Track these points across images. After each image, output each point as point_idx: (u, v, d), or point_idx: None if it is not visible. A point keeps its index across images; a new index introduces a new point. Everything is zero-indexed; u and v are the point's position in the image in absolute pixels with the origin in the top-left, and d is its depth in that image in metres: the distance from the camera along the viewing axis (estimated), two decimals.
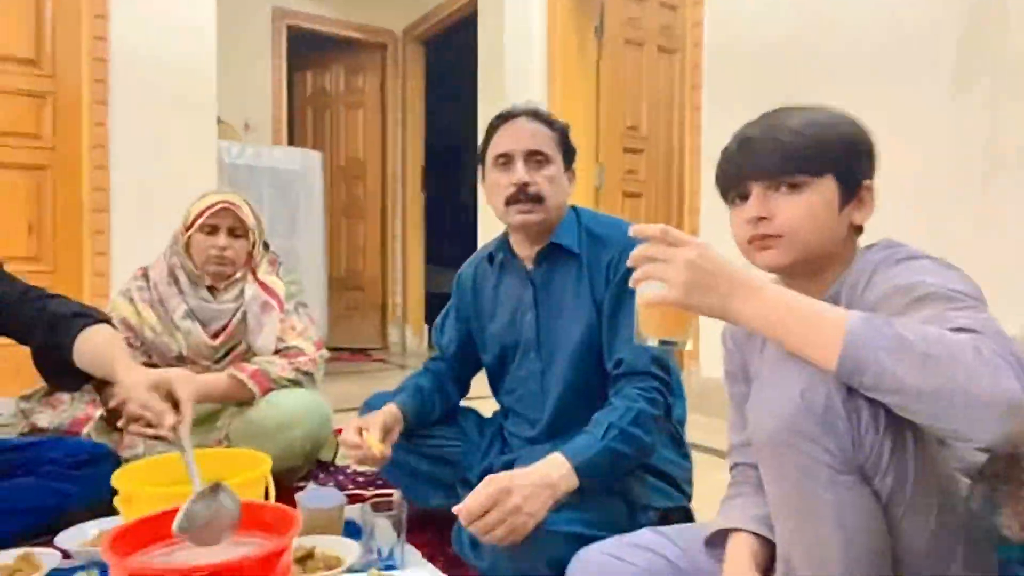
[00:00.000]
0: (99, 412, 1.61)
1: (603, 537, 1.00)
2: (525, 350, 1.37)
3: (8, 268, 1.45)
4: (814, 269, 0.86)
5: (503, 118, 1.35)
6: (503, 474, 1.04)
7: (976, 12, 1.86)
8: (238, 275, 1.82)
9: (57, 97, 2.69)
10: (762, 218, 0.84)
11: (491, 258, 1.45)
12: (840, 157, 0.83)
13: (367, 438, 1.24)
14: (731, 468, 1.02)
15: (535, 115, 1.33)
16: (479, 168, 1.39)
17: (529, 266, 1.36)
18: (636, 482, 1.21)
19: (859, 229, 0.87)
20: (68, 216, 2.71)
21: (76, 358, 1.31)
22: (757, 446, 0.74)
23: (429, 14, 4.64)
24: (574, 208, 1.39)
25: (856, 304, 0.79)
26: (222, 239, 1.76)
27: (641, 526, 1.05)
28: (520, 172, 1.28)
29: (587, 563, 0.95)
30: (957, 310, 0.66)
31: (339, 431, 1.64)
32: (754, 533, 0.84)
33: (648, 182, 3.64)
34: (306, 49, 4.84)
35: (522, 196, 1.27)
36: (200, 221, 1.75)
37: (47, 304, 1.36)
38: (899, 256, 0.79)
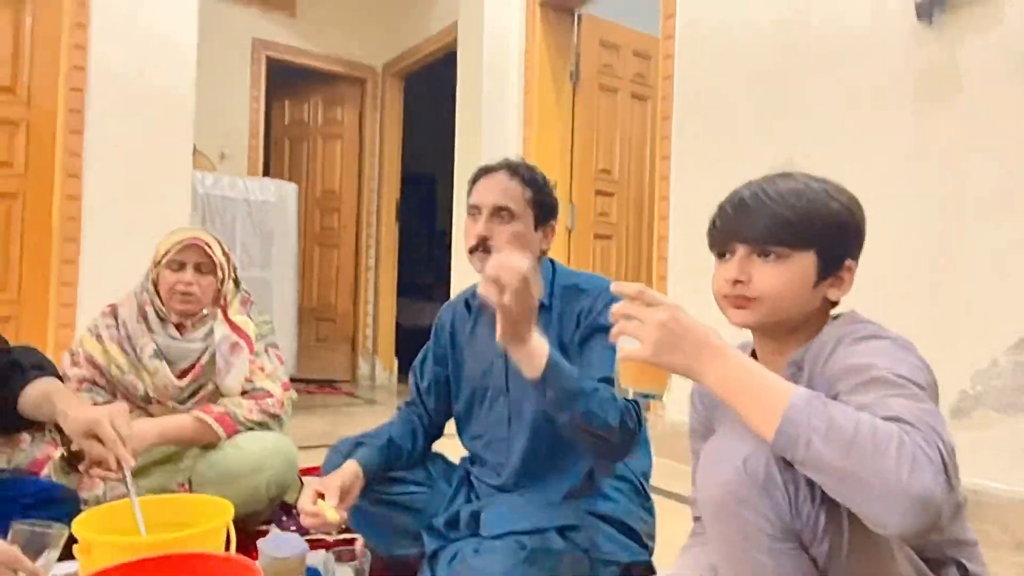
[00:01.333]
0: (59, 452, 1.59)
1: None
2: (494, 397, 1.39)
3: None
4: (782, 333, 0.91)
5: (482, 171, 1.40)
6: None
7: (927, 74, 1.97)
8: (206, 313, 1.81)
9: (31, 125, 2.68)
10: (740, 280, 0.88)
11: (467, 303, 1.48)
12: (826, 235, 0.88)
13: (322, 506, 1.23)
14: (694, 519, 1.05)
15: (512, 171, 1.38)
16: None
17: (499, 341, 1.39)
18: (599, 536, 1.23)
19: (833, 304, 0.92)
20: (37, 245, 2.68)
21: (21, 403, 1.32)
22: (702, 508, 0.78)
23: (409, 51, 4.72)
24: (551, 261, 1.43)
25: (816, 374, 0.84)
26: (188, 275, 1.75)
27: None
28: (481, 226, 1.32)
29: None
30: (898, 397, 0.70)
31: (306, 471, 1.63)
32: None
33: (619, 224, 3.71)
34: (285, 80, 4.87)
35: (481, 248, 1.31)
36: (167, 257, 1.75)
37: (10, 354, 1.37)
38: (860, 334, 0.83)
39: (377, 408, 4.08)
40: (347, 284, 5.10)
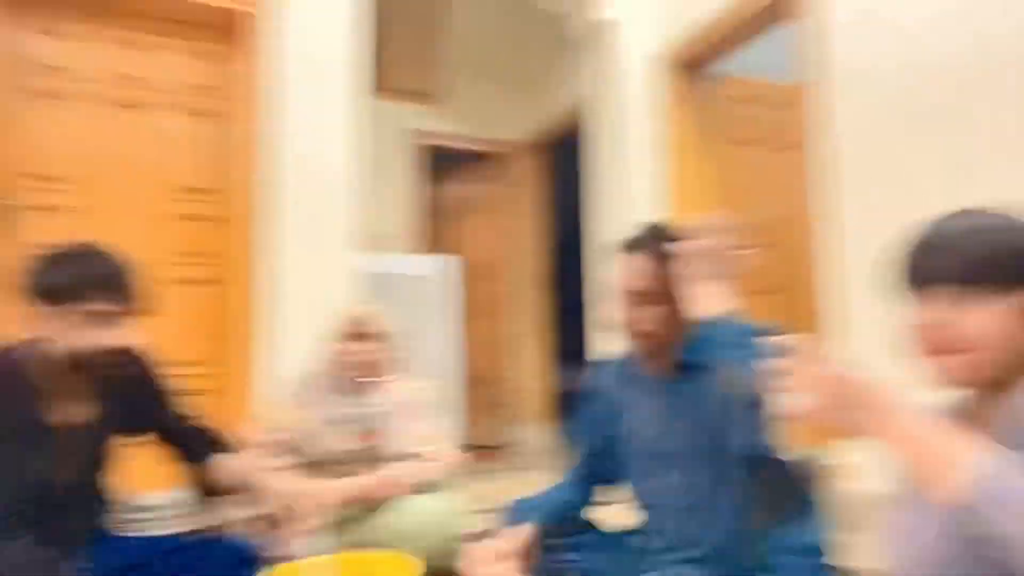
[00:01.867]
0: (252, 513, 1.76)
1: None
2: (663, 464, 1.37)
3: (190, 370, 1.71)
4: (987, 386, 0.81)
5: (619, 249, 1.39)
6: None
7: None
8: (376, 381, 1.96)
9: (231, 221, 3.09)
10: (945, 327, 0.80)
11: (625, 367, 1.48)
12: None
13: (500, 573, 1.26)
14: None
15: (646, 247, 1.34)
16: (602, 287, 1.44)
17: (663, 378, 1.38)
18: None
19: None
20: (231, 324, 3.04)
21: (215, 472, 1.58)
22: None
23: (549, 124, 4.93)
24: (714, 319, 1.39)
25: (1017, 432, 0.75)
26: (360, 346, 1.92)
27: None
28: (625, 311, 1.33)
29: None
30: None
31: (470, 535, 1.68)
32: None
33: (775, 280, 3.56)
34: (440, 163, 5.25)
35: (630, 332, 1.33)
36: (343, 331, 1.94)
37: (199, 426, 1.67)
38: None
39: (534, 473, 4.09)
40: (502, 351, 5.25)
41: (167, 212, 3.03)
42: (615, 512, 1.52)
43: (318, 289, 3.09)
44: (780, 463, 1.12)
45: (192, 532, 1.80)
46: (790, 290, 3.56)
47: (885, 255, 0.89)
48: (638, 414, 1.43)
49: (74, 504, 1.47)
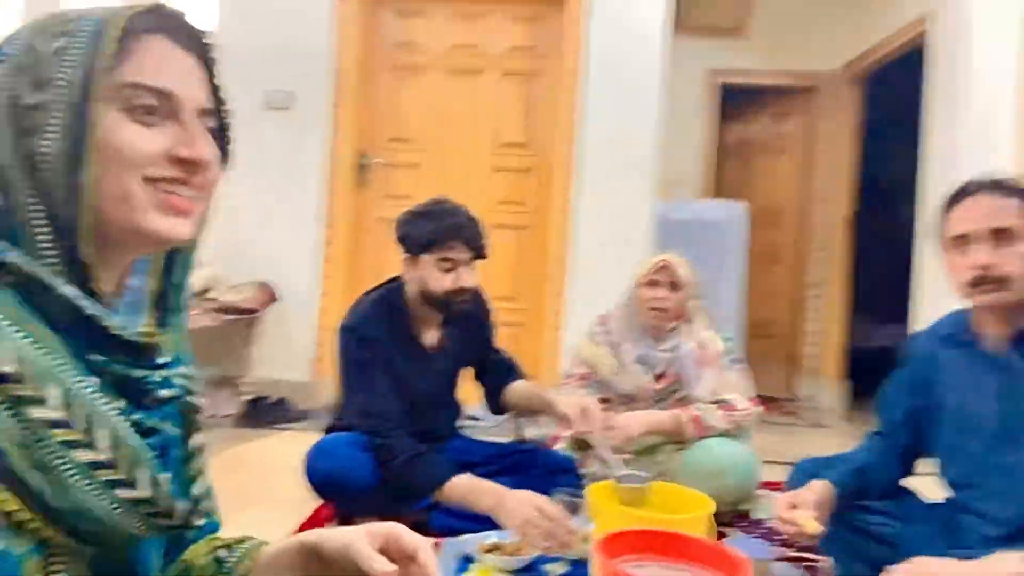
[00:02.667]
0: (569, 433, 2.02)
1: None
2: (989, 442, 1.27)
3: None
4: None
5: (958, 195, 1.29)
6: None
7: None
8: (675, 326, 2.07)
9: (539, 172, 3.39)
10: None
11: (951, 334, 1.38)
12: None
13: (798, 515, 1.28)
14: None
15: (996, 187, 1.25)
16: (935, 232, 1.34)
17: (998, 348, 1.27)
18: None
19: None
20: (538, 266, 3.37)
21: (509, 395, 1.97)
22: None
23: (866, 52, 4.39)
24: None
25: None
26: (661, 292, 2.03)
27: None
28: (980, 255, 1.21)
29: None
30: None
31: (767, 485, 1.73)
32: None
33: None
34: (735, 102, 5.03)
35: (985, 280, 1.21)
36: (646, 277, 2.06)
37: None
38: None
39: (822, 432, 3.90)
40: (789, 301, 4.99)
41: (490, 165, 3.43)
42: (927, 484, 1.45)
43: (618, 234, 3.28)
44: None
45: (517, 442, 2.14)
46: None
47: None
48: (966, 387, 1.33)
49: (435, 410, 1.85)
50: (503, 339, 2.13)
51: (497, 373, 1.99)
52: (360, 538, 0.60)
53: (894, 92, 4.56)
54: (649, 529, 1.20)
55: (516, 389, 1.95)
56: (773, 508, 1.36)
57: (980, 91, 3.13)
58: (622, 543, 1.15)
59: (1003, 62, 3.07)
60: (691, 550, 1.14)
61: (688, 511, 1.40)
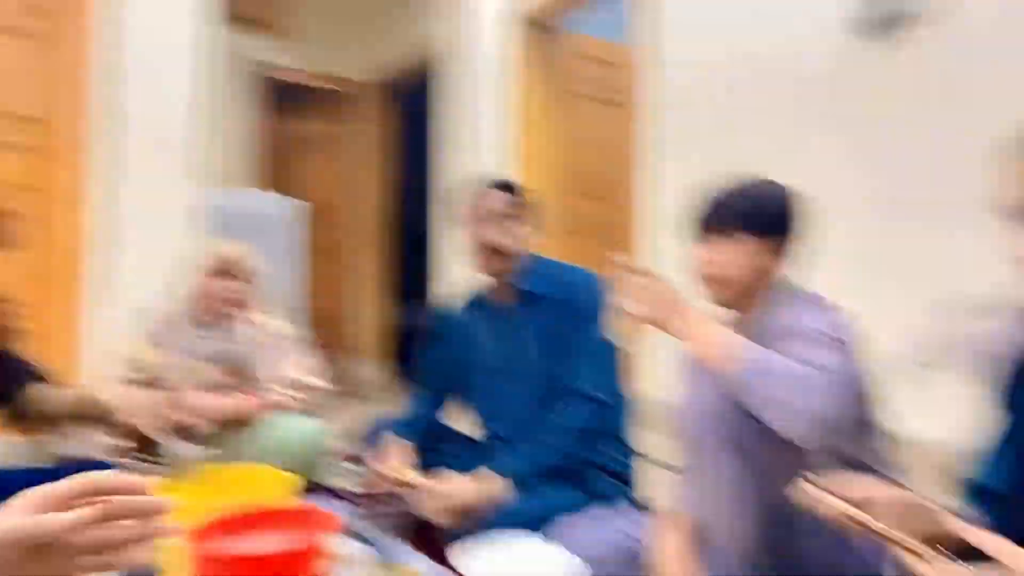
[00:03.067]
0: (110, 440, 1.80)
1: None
2: (499, 379, 1.65)
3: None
4: (742, 302, 1.16)
5: (478, 186, 1.65)
6: None
7: (866, 90, 2.25)
8: (241, 315, 2.06)
9: (59, 153, 2.89)
10: (711, 260, 1.14)
11: (471, 300, 1.74)
12: (775, 221, 1.14)
13: (397, 469, 1.52)
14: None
15: (505, 186, 1.64)
16: (452, 221, 1.68)
17: (504, 308, 1.65)
18: (594, 478, 1.50)
19: (781, 276, 1.17)
20: (68, 262, 2.89)
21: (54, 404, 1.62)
22: (682, 436, 1.04)
23: (393, 66, 4.96)
24: (540, 257, 1.68)
25: (767, 330, 1.09)
26: (227, 283, 2.01)
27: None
28: (488, 231, 1.57)
29: (570, 528, 1.22)
30: (814, 348, 0.97)
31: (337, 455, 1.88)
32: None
33: (601, 225, 3.98)
34: (281, 97, 5.09)
35: (489, 251, 1.57)
36: (209, 267, 2.00)
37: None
38: (796, 300, 1.10)
39: (372, 404, 4.30)
40: (341, 290, 5.34)
41: None
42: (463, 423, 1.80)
43: (159, 225, 3.02)
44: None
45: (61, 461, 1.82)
46: (613, 234, 4.00)
47: (684, 208, 1.22)
48: (483, 336, 1.70)
49: None
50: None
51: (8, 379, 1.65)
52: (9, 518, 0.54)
53: (418, 106, 5.27)
54: (234, 513, 1.20)
55: (47, 397, 1.64)
56: (369, 471, 1.54)
57: (479, 106, 3.88)
58: (211, 531, 1.14)
59: (491, 79, 3.87)
60: (281, 520, 1.20)
61: (269, 488, 1.45)
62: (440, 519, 1.40)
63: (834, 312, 1.06)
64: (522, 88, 3.80)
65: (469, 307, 1.75)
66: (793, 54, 2.47)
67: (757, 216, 1.12)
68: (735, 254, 1.12)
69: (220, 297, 1.99)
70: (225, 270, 2.00)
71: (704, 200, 1.17)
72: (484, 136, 3.88)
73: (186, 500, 1.31)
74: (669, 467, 1.27)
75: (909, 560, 0.68)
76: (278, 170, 5.31)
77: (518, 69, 3.81)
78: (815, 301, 1.09)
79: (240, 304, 2.03)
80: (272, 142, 5.31)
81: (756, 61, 2.59)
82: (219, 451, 1.91)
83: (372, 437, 1.69)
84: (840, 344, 1.00)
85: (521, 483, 1.42)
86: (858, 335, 1.06)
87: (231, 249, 2.03)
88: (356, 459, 1.79)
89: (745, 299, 1.15)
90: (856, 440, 1.07)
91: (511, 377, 1.62)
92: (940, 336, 2.04)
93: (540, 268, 1.64)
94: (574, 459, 1.49)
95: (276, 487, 1.43)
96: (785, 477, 0.98)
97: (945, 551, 0.69)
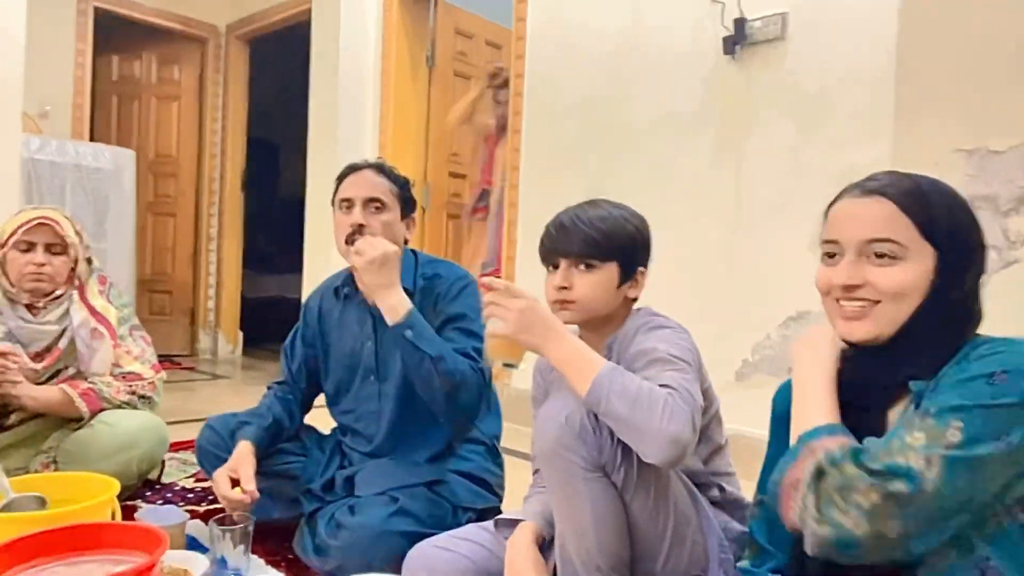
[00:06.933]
0: None
1: (432, 534, 1.23)
2: (364, 375, 1.56)
3: None
4: (597, 325, 1.17)
5: (351, 169, 1.54)
6: None
7: (729, 101, 2.36)
8: (60, 293, 1.79)
9: None
10: (564, 287, 1.13)
11: (336, 290, 1.63)
12: (625, 249, 1.15)
13: (234, 495, 1.38)
14: (533, 472, 1.31)
15: (379, 169, 1.54)
16: (332, 205, 1.55)
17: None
18: (459, 488, 1.46)
19: (633, 300, 1.19)
20: None
21: None
22: (537, 455, 1.03)
23: (256, 14, 4.56)
24: (413, 252, 1.61)
25: (623, 353, 1.11)
26: (39, 256, 1.73)
27: (462, 524, 1.31)
28: (357, 215, 1.47)
29: (422, 555, 1.18)
30: (670, 371, 1.00)
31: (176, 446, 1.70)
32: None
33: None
34: (115, 35, 4.52)
35: (357, 236, 1.47)
36: (15, 238, 1.72)
37: None
38: (651, 325, 1.12)
39: (222, 383, 4.02)
40: (186, 255, 4.90)
41: None
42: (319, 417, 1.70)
43: None
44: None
45: None
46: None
47: (541, 231, 1.19)
48: (343, 331, 1.60)
49: None
50: None
51: None
52: None
53: (281, 56, 4.90)
54: (48, 529, 1.05)
55: None
56: (215, 484, 1.40)
57: (350, 76, 3.67)
58: (19, 552, 0.98)
59: (368, 51, 3.68)
60: (102, 537, 1.06)
61: (92, 496, 1.27)
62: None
63: (686, 338, 1.10)
64: (392, 54, 3.64)
65: (334, 295, 1.63)
66: (663, 62, 2.53)
67: (614, 243, 1.14)
68: (593, 281, 1.13)
69: (27, 273, 1.71)
70: (33, 241, 1.72)
71: (557, 225, 1.17)
72: (353, 104, 3.67)
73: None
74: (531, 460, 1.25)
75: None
76: (111, 117, 4.75)
77: (390, 34, 3.63)
78: (666, 323, 1.13)
79: (54, 279, 1.75)
80: (103, 85, 4.72)
81: (626, 71, 2.63)
82: (37, 458, 1.66)
83: (214, 436, 1.54)
84: (691, 364, 1.03)
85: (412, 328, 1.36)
86: (701, 350, 1.10)
87: (42, 216, 1.74)
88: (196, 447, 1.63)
89: (602, 325, 1.17)
90: (701, 451, 1.13)
91: (374, 372, 1.54)
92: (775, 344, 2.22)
93: (407, 260, 1.56)
94: (453, 414, 1.42)
95: (97, 496, 1.25)
96: (640, 495, 1.00)
97: None
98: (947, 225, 0.80)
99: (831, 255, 0.85)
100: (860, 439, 0.76)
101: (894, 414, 0.81)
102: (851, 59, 2.09)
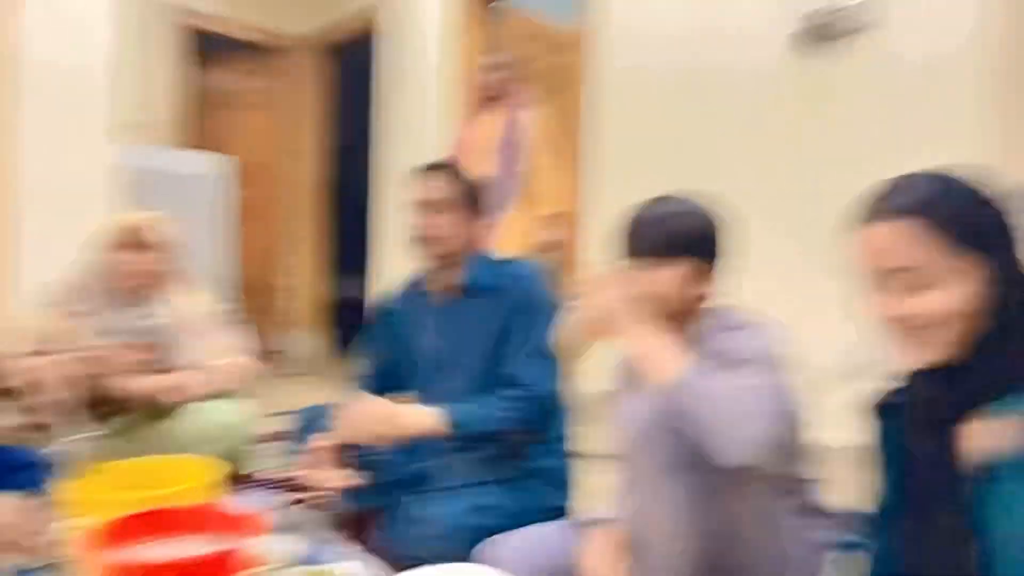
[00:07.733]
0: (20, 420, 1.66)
1: (507, 530, 1.25)
2: (441, 371, 1.60)
3: None
4: (674, 322, 1.14)
5: (418, 171, 1.58)
6: None
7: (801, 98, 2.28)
8: (156, 292, 1.91)
9: None
10: (639, 285, 1.12)
11: (413, 288, 1.67)
12: (698, 245, 1.13)
13: (331, 477, 1.47)
14: (613, 471, 1.31)
15: (444, 172, 1.58)
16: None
17: (445, 300, 1.59)
18: (534, 485, 1.48)
19: (706, 296, 1.17)
20: None
21: None
22: (621, 451, 1.03)
23: (335, 24, 4.73)
24: (483, 252, 1.63)
25: (701, 352, 1.09)
26: (139, 256, 1.85)
27: (534, 521, 1.32)
28: (422, 218, 1.51)
29: (497, 550, 1.20)
30: (748, 371, 0.97)
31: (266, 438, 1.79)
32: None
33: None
34: (206, 49, 4.78)
35: (422, 239, 1.51)
36: (115, 239, 1.84)
37: None
38: (729, 324, 1.10)
39: (307, 380, 4.18)
40: (274, 257, 5.12)
41: None
42: None
43: (71, 185, 2.78)
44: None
45: None
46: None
47: (614, 227, 1.19)
48: (424, 329, 1.64)
49: None
50: None
51: None
52: None
53: (359, 66, 5.05)
54: (146, 511, 1.12)
55: None
56: (295, 464, 1.48)
57: (417, 76, 3.76)
58: (121, 532, 1.06)
59: (433, 53, 3.76)
60: (196, 520, 1.13)
61: (189, 481, 1.35)
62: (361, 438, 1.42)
63: (766, 331, 1.07)
64: (463, 60, 3.69)
65: (410, 296, 1.68)
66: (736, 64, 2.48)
67: (690, 239, 1.12)
68: (671, 277, 1.11)
69: (128, 272, 1.83)
70: (133, 242, 1.83)
71: (629, 221, 1.16)
72: (427, 104, 3.76)
73: (90, 495, 1.23)
74: (606, 460, 1.25)
75: None
76: (206, 127, 5.02)
77: (460, 39, 3.69)
78: (747, 321, 1.10)
79: (153, 279, 1.87)
80: (199, 97, 5.00)
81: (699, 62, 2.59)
82: (131, 439, 1.77)
83: (305, 429, 1.61)
84: (774, 365, 1.01)
85: (454, 429, 1.41)
86: (788, 350, 1.07)
87: (140, 218, 1.86)
88: (286, 438, 1.70)
89: (679, 321, 1.15)
90: (781, 456, 1.09)
91: (451, 372, 1.57)
92: (864, 348, 2.11)
93: (483, 260, 1.59)
94: (507, 449, 1.46)
95: (195, 480, 1.33)
96: (722, 497, 0.98)
97: None
98: (980, 226, 0.71)
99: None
100: (934, 457, 0.74)
101: (969, 431, 0.74)
102: (950, 43, 1.99)
